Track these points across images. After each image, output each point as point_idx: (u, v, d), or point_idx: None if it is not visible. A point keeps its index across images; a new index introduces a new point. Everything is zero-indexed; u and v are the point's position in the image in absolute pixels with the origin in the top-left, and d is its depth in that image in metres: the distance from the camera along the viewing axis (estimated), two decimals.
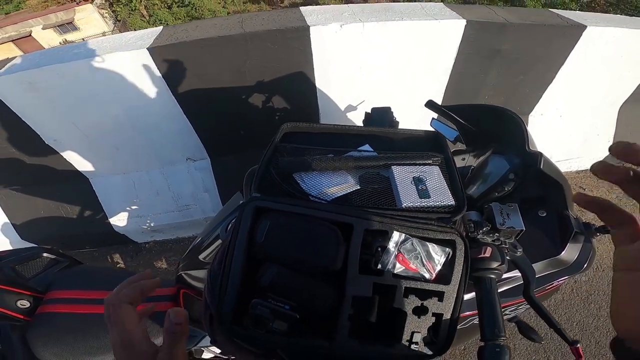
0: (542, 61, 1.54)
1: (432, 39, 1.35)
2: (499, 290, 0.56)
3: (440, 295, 0.47)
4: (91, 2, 15.83)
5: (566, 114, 2.00)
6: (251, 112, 1.53)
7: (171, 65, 1.32)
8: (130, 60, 1.26)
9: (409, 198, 0.52)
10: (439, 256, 0.48)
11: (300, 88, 1.46)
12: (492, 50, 1.42)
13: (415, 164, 0.59)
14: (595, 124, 2.09)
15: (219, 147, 1.64)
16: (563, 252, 0.67)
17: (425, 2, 1.54)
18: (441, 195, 0.53)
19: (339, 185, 0.57)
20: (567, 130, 2.06)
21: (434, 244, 0.48)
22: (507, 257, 0.54)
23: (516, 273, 0.63)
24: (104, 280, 0.87)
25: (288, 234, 0.48)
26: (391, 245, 0.47)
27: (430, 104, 0.87)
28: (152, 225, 1.77)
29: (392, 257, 0.47)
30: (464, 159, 0.90)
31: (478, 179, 0.80)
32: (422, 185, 0.54)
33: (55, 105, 1.33)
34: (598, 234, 0.67)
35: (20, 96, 1.29)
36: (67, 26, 15.34)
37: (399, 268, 0.47)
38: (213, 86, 1.40)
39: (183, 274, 0.76)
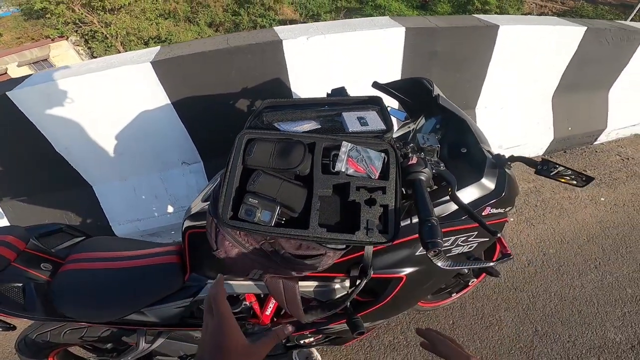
0: (472, 59, 1.90)
1: (381, 45, 1.68)
2: (443, 215, 0.78)
3: (383, 189, 0.66)
4: (66, 39, 15.99)
5: (506, 106, 2.35)
6: (237, 116, 1.78)
7: (170, 77, 1.58)
8: (136, 73, 1.51)
9: (354, 126, 0.77)
10: (377, 160, 0.70)
11: (278, 92, 1.74)
12: (431, 52, 1.77)
13: (359, 111, 0.86)
14: (534, 113, 2.44)
15: (210, 151, 1.87)
16: (483, 178, 0.82)
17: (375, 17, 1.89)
18: (376, 124, 0.78)
19: (305, 125, 0.82)
20: (510, 120, 2.40)
21: (373, 150, 0.73)
22: (434, 171, 0.73)
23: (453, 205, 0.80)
24: (117, 245, 0.99)
25: (270, 150, 0.71)
26: (342, 152, 0.71)
27: (376, 85, 1.17)
28: (150, 228, 1.93)
29: (344, 161, 0.71)
30: (409, 127, 1.18)
31: (417, 138, 1.07)
32: (363, 120, 0.80)
33: (67, 115, 1.55)
34: (509, 162, 0.86)
35: (38, 107, 1.50)
36: (43, 63, 15.28)
37: (350, 170, 0.69)
38: (205, 94, 1.66)
39: (189, 218, 0.89)
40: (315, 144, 0.73)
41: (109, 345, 1.12)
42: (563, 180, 0.82)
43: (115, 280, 0.88)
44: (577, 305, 1.71)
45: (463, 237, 0.88)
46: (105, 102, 1.55)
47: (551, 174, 0.83)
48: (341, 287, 0.93)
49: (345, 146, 0.71)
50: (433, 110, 1.06)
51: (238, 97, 1.72)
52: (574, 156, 2.66)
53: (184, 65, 1.58)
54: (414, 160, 0.74)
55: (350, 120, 0.81)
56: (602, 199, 2.27)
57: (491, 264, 0.59)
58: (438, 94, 0.93)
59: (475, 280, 1.43)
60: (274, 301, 0.99)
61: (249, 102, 1.75)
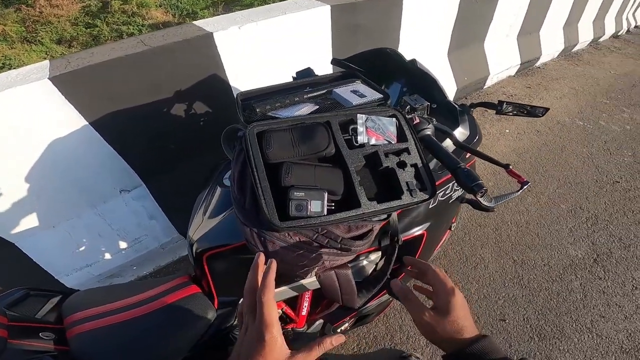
0: (387, 28, 2.07)
1: (311, 25, 1.69)
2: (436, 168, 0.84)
3: (407, 150, 0.69)
4: None
5: None
6: (176, 124, 1.58)
7: (81, 92, 1.29)
8: (30, 94, 1.19)
9: (354, 99, 0.78)
10: (392, 126, 0.73)
11: (217, 90, 1.60)
12: (355, 26, 1.86)
13: (346, 85, 0.87)
14: (439, 70, 2.81)
15: (152, 169, 1.63)
16: (460, 126, 0.91)
17: None
18: (372, 93, 0.81)
19: (304, 108, 0.79)
20: None
21: (385, 117, 0.75)
22: (432, 124, 0.79)
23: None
24: (109, 296, 0.85)
25: (289, 138, 0.67)
26: (360, 125, 0.72)
27: (335, 61, 1.18)
28: (106, 271, 1.62)
29: (364, 132, 0.72)
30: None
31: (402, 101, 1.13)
32: (358, 92, 0.82)
33: None
34: (472, 108, 0.98)
35: None
36: None
37: (372, 140, 0.70)
38: (129, 105, 1.42)
39: (200, 242, 0.80)
40: (330, 122, 0.72)
41: None
42: (520, 115, 0.99)
43: (140, 330, 0.76)
44: (532, 229, 1.99)
45: (441, 191, 0.94)
46: None
47: (509, 112, 0.98)
48: (368, 262, 0.95)
49: (361, 118, 0.72)
50: (393, 77, 1.14)
51: (172, 102, 1.52)
52: (472, 100, 3.18)
53: (95, 77, 1.30)
54: (417, 120, 0.80)
55: (347, 94, 0.82)
56: (507, 130, 2.79)
57: (516, 193, 0.68)
58: (414, 59, 0.99)
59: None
60: (306, 299, 0.96)
61: (185, 106, 1.57)
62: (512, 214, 2.10)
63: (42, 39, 4.00)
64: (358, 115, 0.72)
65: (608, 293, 1.74)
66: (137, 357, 0.75)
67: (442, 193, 0.96)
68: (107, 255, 1.60)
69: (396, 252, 0.80)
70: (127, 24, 4.26)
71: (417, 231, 0.93)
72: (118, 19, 4.31)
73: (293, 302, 1.01)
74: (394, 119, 0.75)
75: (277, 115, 0.77)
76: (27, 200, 1.34)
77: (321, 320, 1.15)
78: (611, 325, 1.62)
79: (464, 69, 2.98)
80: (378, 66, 1.15)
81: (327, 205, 0.62)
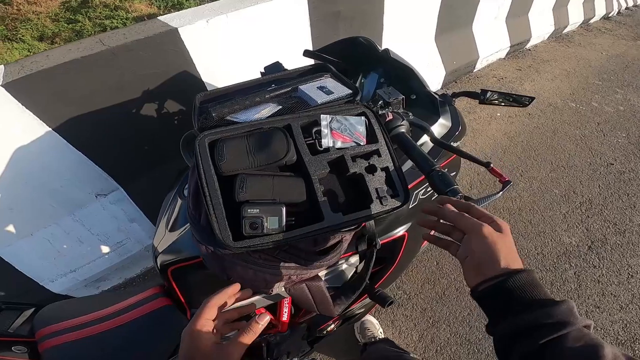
0: (370, 15, 1.97)
1: (287, 13, 1.59)
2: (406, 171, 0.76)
3: (377, 152, 0.63)
4: None
5: (404, 54, 2.55)
6: (148, 124, 1.50)
7: (39, 98, 1.20)
8: None
9: (320, 97, 0.71)
10: (360, 125, 0.66)
11: (189, 87, 1.51)
12: (334, 13, 1.76)
13: (314, 81, 0.79)
14: (426, 55, 2.73)
15: (127, 171, 1.55)
16: (441, 117, 0.86)
17: None
18: (340, 89, 0.74)
19: (265, 109, 0.72)
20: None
21: (353, 117, 0.68)
22: (407, 120, 0.72)
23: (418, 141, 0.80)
24: (81, 308, 0.84)
25: (244, 147, 0.60)
26: (324, 127, 0.65)
27: (308, 53, 1.10)
28: (91, 276, 1.57)
29: (328, 135, 0.65)
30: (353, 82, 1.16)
31: (362, 97, 1.06)
32: (325, 88, 0.75)
33: None
34: (454, 98, 0.91)
35: None
36: None
37: (338, 143, 0.63)
38: (94, 109, 1.33)
39: (162, 255, 0.77)
40: (291, 126, 0.65)
41: None
42: (505, 104, 0.92)
43: (112, 343, 0.75)
44: (524, 216, 1.93)
45: (422, 189, 0.89)
46: None
47: (494, 101, 0.91)
48: (348, 265, 0.90)
49: (325, 119, 0.66)
50: (371, 66, 1.06)
51: (141, 103, 1.43)
52: (462, 83, 3.10)
53: (52, 81, 1.21)
54: (390, 116, 0.73)
55: (312, 92, 0.74)
56: (498, 114, 2.72)
57: (497, 195, 0.63)
58: (387, 48, 0.92)
59: None
60: (286, 304, 0.91)
61: (156, 105, 1.48)
62: (504, 200, 2.05)
63: (22, 36, 3.85)
64: (321, 115, 0.65)
65: (603, 282, 1.70)
66: None
67: (422, 191, 0.90)
68: (90, 260, 1.55)
69: (374, 256, 0.74)
70: (110, 18, 4.10)
71: (397, 232, 0.88)
72: (100, 13, 4.15)
73: (275, 309, 0.97)
74: (362, 117, 0.68)
75: (235, 120, 0.70)
76: (2, 211, 1.27)
77: (306, 324, 1.11)
78: (606, 316, 1.58)
79: (452, 53, 2.89)
80: (353, 56, 1.07)
81: (287, 220, 0.55)
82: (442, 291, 1.65)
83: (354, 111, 0.69)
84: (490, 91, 0.90)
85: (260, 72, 1.05)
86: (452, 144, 0.92)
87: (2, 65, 1.28)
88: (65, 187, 1.42)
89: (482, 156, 2.27)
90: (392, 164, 0.63)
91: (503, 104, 0.89)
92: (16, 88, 1.15)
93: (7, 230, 1.35)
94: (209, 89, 1.60)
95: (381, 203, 0.59)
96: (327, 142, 0.64)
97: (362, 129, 0.67)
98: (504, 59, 3.55)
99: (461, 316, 1.56)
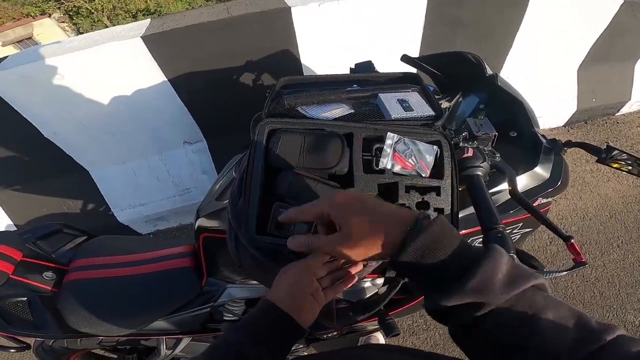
0: (499, 29, 1.72)
1: (401, 10, 1.50)
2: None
3: (437, 190, 0.55)
4: (49, 16, 15.22)
5: (530, 77, 2.19)
6: (243, 92, 1.63)
7: (165, 52, 1.40)
8: (124, 50, 1.34)
9: (396, 111, 0.65)
10: (429, 155, 0.58)
11: (287, 65, 1.57)
12: (454, 19, 1.58)
13: (398, 91, 0.72)
14: (558, 85, 2.30)
15: (214, 128, 1.73)
16: (538, 166, 0.73)
17: None
18: (422, 108, 0.66)
19: (337, 109, 0.69)
20: (533, 91, 2.25)
21: (424, 143, 0.59)
22: (488, 162, 0.62)
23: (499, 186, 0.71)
24: (123, 246, 0.91)
25: (299, 144, 0.58)
26: (387, 146, 0.59)
27: (406, 58, 1.02)
28: (154, 213, 1.83)
29: (390, 156, 0.59)
30: (440, 104, 1.05)
31: (454, 118, 0.94)
32: (405, 103, 0.67)
33: (52, 98, 1.39)
34: (565, 148, 0.74)
35: (19, 91, 1.35)
36: (27, 42, 14.72)
37: (397, 167, 0.57)
38: (205, 69, 1.50)
39: (202, 220, 0.79)
40: (353, 135, 0.60)
41: (129, 347, 1.07)
42: (632, 171, 0.71)
43: (127, 289, 0.81)
44: (598, 287, 1.67)
45: (508, 230, 0.78)
46: (92, 82, 1.39)
47: (619, 162, 0.71)
48: (372, 284, 0.84)
49: (391, 138, 0.59)
50: (474, 87, 0.93)
51: (242, 71, 1.55)
52: (595, 127, 2.53)
53: (179, 39, 1.40)
54: (470, 152, 0.62)
55: (390, 103, 0.68)
56: (623, 172, 2.16)
57: (564, 272, 0.51)
58: (495, 74, 0.79)
59: None
60: None
61: (254, 76, 1.59)
62: None
63: None
64: (389, 133, 0.59)
65: None
66: (110, 312, 0.79)
67: (478, 240, 0.77)
68: (159, 199, 1.80)
69: (399, 286, 0.68)
70: None
71: None
72: None
73: None
74: (435, 147, 0.59)
75: (304, 113, 0.69)
76: (107, 136, 1.57)
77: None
78: None
79: (595, 88, 2.36)
80: (455, 72, 0.95)
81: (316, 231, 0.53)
82: None
83: (429, 137, 0.61)
84: (619, 150, 0.70)
85: (350, 68, 1.01)
86: (540, 199, 0.77)
87: (150, 19, 1.53)
88: (162, 129, 1.65)
89: (582, 215, 1.92)
90: (449, 207, 0.55)
91: (630, 169, 0.69)
92: (152, 40, 1.36)
93: (104, 153, 1.64)
94: (304, 73, 1.65)
95: None
96: (385, 163, 0.58)
97: (429, 159, 0.59)
98: None
99: None
